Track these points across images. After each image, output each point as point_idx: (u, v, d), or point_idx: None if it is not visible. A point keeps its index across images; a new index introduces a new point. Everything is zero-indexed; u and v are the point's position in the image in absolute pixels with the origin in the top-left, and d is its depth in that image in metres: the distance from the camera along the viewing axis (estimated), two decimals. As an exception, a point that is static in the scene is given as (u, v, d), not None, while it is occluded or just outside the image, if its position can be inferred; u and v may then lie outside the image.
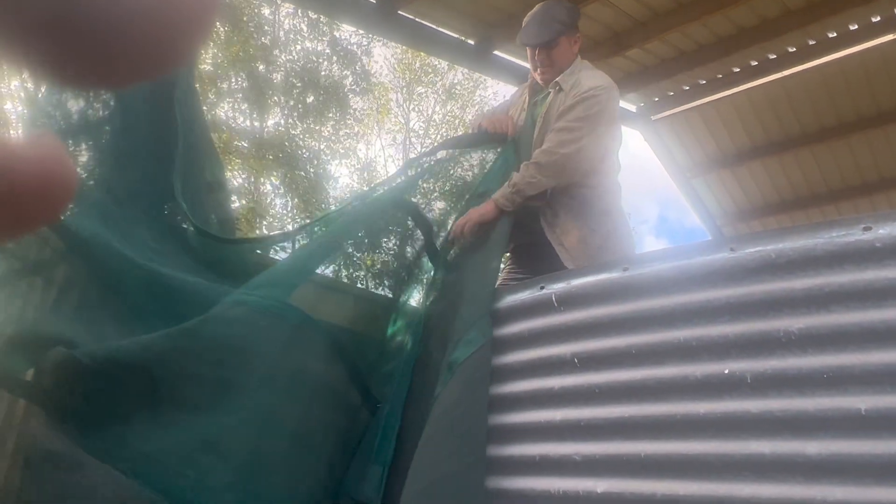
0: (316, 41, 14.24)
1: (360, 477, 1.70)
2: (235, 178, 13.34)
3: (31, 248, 1.70)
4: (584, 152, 2.29)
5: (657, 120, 5.24)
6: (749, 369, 1.30)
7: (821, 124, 4.91)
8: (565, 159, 2.26)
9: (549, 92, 2.46)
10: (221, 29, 12.27)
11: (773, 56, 4.39)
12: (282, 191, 14.23)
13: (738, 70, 4.57)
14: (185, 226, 2.05)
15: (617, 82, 4.57)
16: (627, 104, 5.12)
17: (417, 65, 16.80)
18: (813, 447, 1.19)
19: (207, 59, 12.44)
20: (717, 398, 1.33)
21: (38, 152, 0.20)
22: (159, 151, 2.02)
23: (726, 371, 1.34)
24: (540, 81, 2.53)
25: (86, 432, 1.36)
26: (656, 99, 5.07)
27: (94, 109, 1.96)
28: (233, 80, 13.43)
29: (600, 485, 1.43)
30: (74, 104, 1.91)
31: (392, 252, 2.37)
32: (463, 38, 4.15)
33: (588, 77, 2.41)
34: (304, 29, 14.03)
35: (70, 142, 1.90)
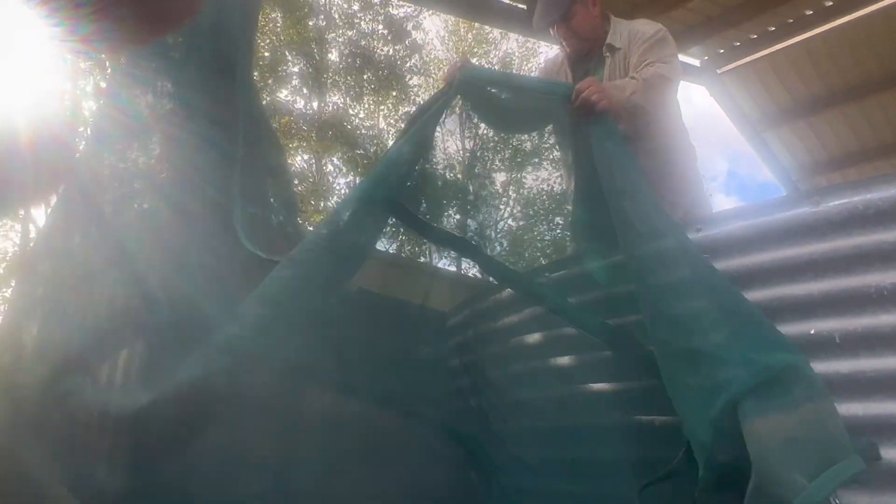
0: (368, 21, 14.29)
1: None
2: (297, 161, 13.63)
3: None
4: (674, 82, 2.23)
5: (723, 73, 4.98)
6: (837, 328, 1.24)
7: (906, 64, 4.55)
8: (668, 87, 2.18)
9: (605, 56, 2.37)
10: (276, 14, 12.46)
11: (850, -7, 4.09)
12: (343, 170, 14.47)
13: (811, 13, 4.28)
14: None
15: (679, 36, 4.40)
16: (691, 58, 4.89)
17: (470, 36, 16.56)
18: (911, 408, 1.13)
19: (264, 46, 12.69)
20: (803, 359, 1.28)
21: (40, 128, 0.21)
22: (220, 143, 2.05)
23: (812, 331, 1.28)
24: (571, 55, 2.45)
25: None
26: (721, 51, 4.82)
27: (156, 104, 2.00)
28: (290, 64, 13.65)
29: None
30: (137, 99, 1.95)
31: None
32: (516, 4, 4.06)
33: (643, 24, 2.34)
34: (356, 9, 14.08)
35: (134, 136, 1.95)
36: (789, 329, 1.30)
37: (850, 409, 1.19)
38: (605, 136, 1.75)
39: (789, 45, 4.59)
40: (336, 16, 14.12)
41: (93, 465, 1.43)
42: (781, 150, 5.56)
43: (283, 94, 13.65)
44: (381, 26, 14.33)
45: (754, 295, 1.37)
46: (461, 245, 2.05)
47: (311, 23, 13.32)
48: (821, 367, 1.24)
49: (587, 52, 2.40)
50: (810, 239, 1.32)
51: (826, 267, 1.29)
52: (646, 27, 2.30)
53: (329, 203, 14.04)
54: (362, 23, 14.29)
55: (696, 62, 4.93)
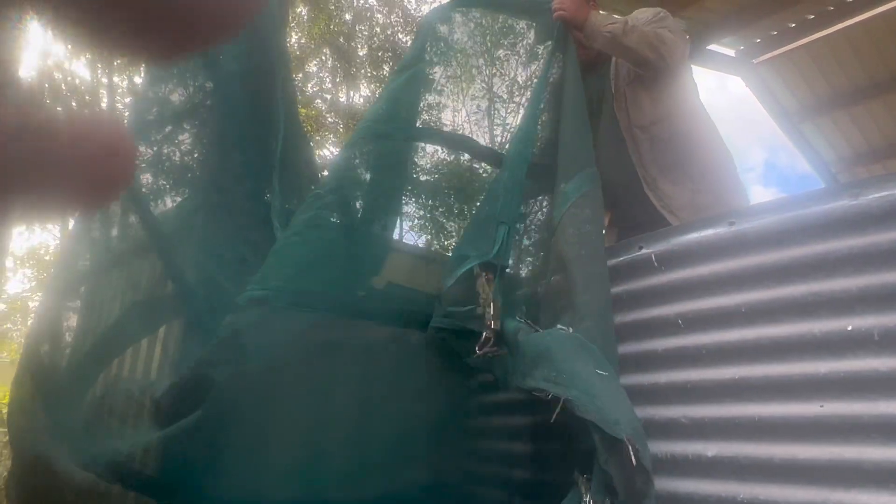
0: (393, 14, 14.36)
1: (482, 237, 1.70)
2: (328, 153, 13.74)
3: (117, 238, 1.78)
4: (672, 44, 2.16)
5: (760, 63, 4.87)
6: (876, 325, 1.20)
7: (953, 52, 4.39)
8: (660, 39, 2.13)
9: (609, 61, 2.39)
10: (304, 11, 12.58)
11: (893, -21, 3.96)
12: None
13: (851, 0, 4.15)
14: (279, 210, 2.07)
15: (713, 25, 4.31)
16: (725, 49, 4.79)
17: (497, 27, 16.44)
18: (955, 407, 1.09)
19: (294, 41, 12.82)
20: (840, 357, 1.24)
21: (100, 129, 0.21)
22: (258, 136, 2.08)
23: (849, 328, 1.24)
24: (580, 63, 2.43)
25: None
26: (758, 40, 4.71)
27: (194, 97, 2.03)
28: (320, 57, 13.79)
29: (710, 448, 1.38)
30: (174, 93, 1.99)
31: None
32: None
33: (640, 12, 2.31)
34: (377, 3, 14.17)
35: (171, 129, 1.98)
36: (826, 326, 1.27)
37: (889, 407, 1.16)
38: (553, 39, 2.01)
39: (829, 34, 4.47)
40: (362, 10, 14.21)
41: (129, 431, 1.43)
42: (820, 142, 5.42)
43: (311, 86, 13.80)
44: (399, 17, 14.40)
45: (790, 290, 1.33)
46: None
47: (333, 8, 13.40)
48: (859, 364, 1.21)
49: (595, 56, 2.38)
50: (849, 233, 1.28)
51: (865, 262, 1.25)
52: (644, 13, 2.28)
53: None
54: (379, 15, 14.37)
55: (731, 52, 4.82)
